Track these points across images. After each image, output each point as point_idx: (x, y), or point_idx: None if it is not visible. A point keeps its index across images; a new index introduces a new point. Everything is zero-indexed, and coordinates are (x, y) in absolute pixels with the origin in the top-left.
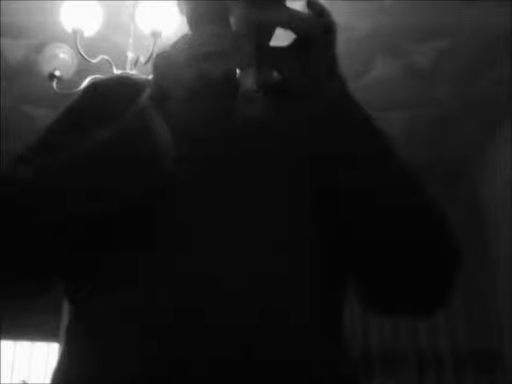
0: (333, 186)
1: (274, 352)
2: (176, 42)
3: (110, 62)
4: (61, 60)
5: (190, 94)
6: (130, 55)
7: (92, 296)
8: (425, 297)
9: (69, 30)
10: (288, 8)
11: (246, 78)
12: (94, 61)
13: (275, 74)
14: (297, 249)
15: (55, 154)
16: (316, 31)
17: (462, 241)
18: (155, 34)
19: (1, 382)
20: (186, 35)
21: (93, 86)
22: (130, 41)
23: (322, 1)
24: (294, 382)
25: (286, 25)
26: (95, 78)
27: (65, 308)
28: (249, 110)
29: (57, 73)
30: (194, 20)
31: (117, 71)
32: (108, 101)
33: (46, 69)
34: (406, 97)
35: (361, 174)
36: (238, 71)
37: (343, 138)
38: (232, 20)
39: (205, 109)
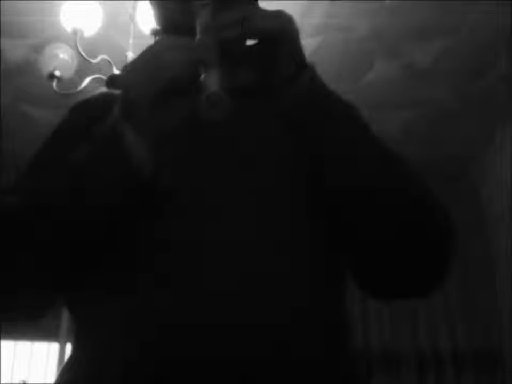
0: (317, 175)
1: (267, 352)
2: (140, 54)
3: (110, 62)
4: (61, 60)
5: (156, 104)
6: (130, 55)
7: (88, 300)
8: (421, 278)
9: (69, 30)
10: (249, 12)
11: (209, 82)
12: (94, 61)
13: (242, 75)
14: (296, 250)
15: (39, 179)
16: (278, 29)
17: (462, 241)
18: (155, 34)
19: (1, 382)
20: (150, 46)
21: (73, 108)
22: (130, 41)
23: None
24: (294, 379)
25: (247, 37)
26: (95, 77)
27: (66, 308)
28: (219, 113)
29: (57, 73)
30: (160, 23)
31: (117, 71)
32: (89, 120)
33: (46, 69)
34: (406, 97)
35: (342, 158)
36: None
37: (319, 128)
38: (197, 25)
39: (176, 115)
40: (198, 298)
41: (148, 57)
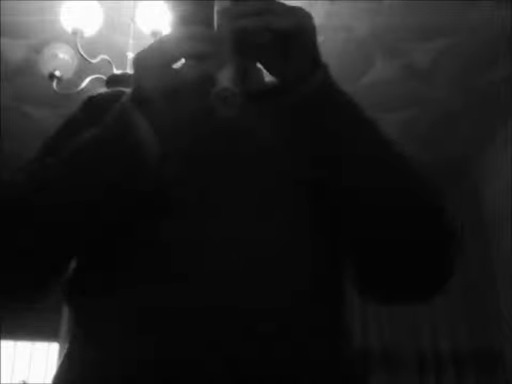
0: (323, 178)
1: (277, 351)
2: (155, 42)
3: (110, 62)
4: (61, 60)
5: (168, 94)
6: (130, 55)
7: (89, 297)
8: (423, 282)
9: (69, 30)
10: (268, 4)
11: (222, 76)
12: (94, 61)
13: (254, 73)
14: (298, 248)
15: (46, 162)
16: (295, 25)
17: (462, 239)
18: (155, 34)
19: (1, 382)
20: (166, 35)
21: (88, 99)
22: (130, 41)
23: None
24: (300, 374)
25: (264, 31)
26: (95, 77)
27: (66, 308)
28: (230, 111)
29: (57, 73)
30: (178, 19)
31: (117, 71)
32: (102, 113)
33: (46, 69)
34: (406, 97)
35: (348, 157)
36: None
37: (329, 124)
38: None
39: (185, 108)
40: (201, 294)
41: (162, 46)
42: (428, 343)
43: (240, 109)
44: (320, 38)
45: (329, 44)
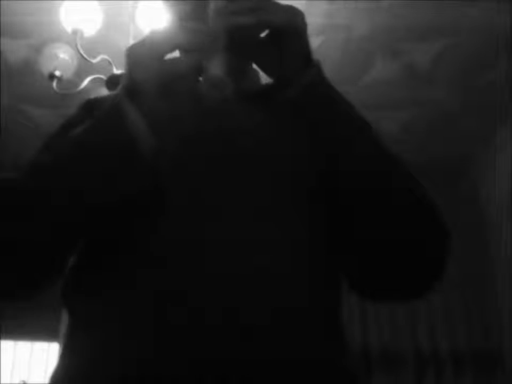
0: (324, 176)
1: (274, 351)
2: (147, 35)
3: (110, 62)
4: (61, 60)
5: (160, 87)
6: None
7: (87, 297)
8: (415, 279)
9: (69, 30)
10: (261, 2)
11: (212, 64)
12: (94, 61)
13: (248, 72)
14: (296, 250)
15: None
16: (287, 23)
17: (461, 241)
18: None
19: (1, 382)
20: (158, 29)
21: (86, 102)
22: (130, 41)
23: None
24: (295, 379)
25: (256, 29)
26: (95, 77)
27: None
28: (219, 96)
29: (57, 73)
30: (174, 18)
31: (117, 71)
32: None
33: (46, 69)
34: (406, 97)
35: (343, 156)
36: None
37: (323, 123)
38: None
39: (180, 104)
40: (200, 300)
41: (153, 39)
42: (427, 343)
43: (237, 108)
44: (320, 38)
45: (329, 43)
